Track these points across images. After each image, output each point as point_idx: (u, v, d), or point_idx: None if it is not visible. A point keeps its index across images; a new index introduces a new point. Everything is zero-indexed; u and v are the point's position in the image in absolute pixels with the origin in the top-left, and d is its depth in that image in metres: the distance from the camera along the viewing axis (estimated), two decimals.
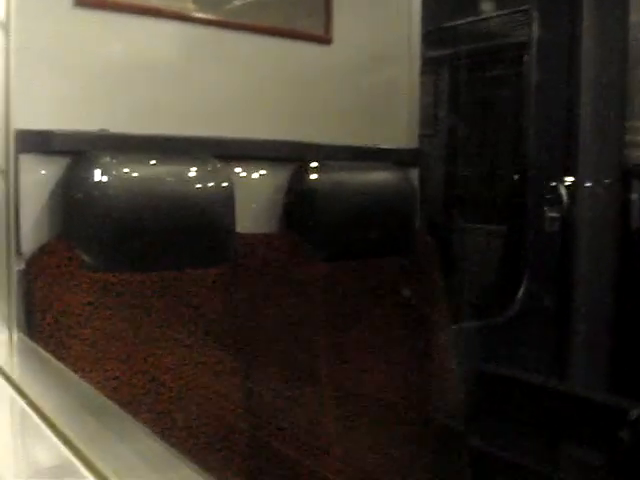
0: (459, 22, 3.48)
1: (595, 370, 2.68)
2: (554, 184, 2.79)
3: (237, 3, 1.97)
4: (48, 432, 0.95)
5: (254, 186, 1.92)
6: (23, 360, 1.41)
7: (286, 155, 1.96)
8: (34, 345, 1.42)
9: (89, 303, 1.51)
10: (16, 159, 1.47)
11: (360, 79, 2.14)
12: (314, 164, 1.96)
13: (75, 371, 1.38)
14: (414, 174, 2.24)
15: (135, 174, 1.62)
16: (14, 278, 1.43)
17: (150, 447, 0.92)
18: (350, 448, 1.85)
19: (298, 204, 1.94)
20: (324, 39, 2.05)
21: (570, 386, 2.55)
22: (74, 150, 1.61)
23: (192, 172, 1.71)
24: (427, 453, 2.02)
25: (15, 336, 1.40)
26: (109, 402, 1.09)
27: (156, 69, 1.78)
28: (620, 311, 2.65)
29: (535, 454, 2.14)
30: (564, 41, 2.77)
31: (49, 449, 0.92)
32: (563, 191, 2.78)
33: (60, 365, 1.34)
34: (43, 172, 1.59)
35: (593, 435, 1.91)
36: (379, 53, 2.20)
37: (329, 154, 2.01)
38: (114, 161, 1.59)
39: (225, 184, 1.73)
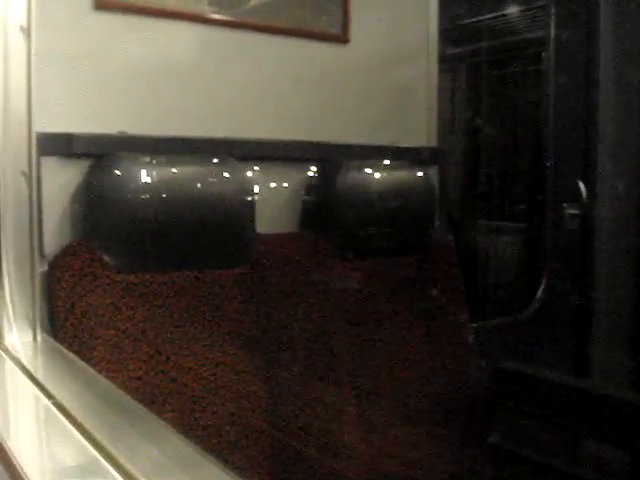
0: (477, 19, 3.46)
1: (616, 367, 2.66)
2: (574, 181, 2.77)
3: (253, 4, 1.97)
4: (73, 431, 0.95)
5: (274, 186, 1.92)
6: (47, 360, 1.43)
7: (305, 155, 1.97)
8: (58, 345, 1.44)
9: (111, 304, 1.53)
10: (38, 162, 1.48)
11: (378, 78, 2.13)
12: (333, 164, 1.96)
13: (98, 371, 1.40)
14: (433, 172, 2.23)
15: (156, 176, 1.63)
16: (37, 280, 1.44)
17: (175, 446, 0.93)
18: (372, 448, 1.85)
19: (318, 204, 1.95)
20: (341, 39, 2.05)
21: (591, 384, 2.53)
22: (95, 153, 1.62)
23: (212, 173, 1.72)
24: (448, 451, 2.01)
25: (39, 337, 1.41)
26: (133, 401, 1.10)
27: (175, 71, 1.79)
28: None
29: (556, 452, 2.13)
30: (583, 37, 2.75)
31: (74, 447, 0.93)
32: (583, 188, 2.76)
33: (84, 365, 1.35)
34: (65, 175, 1.61)
35: (616, 432, 1.89)
36: (397, 52, 2.20)
37: (348, 154, 2.01)
38: (135, 163, 1.60)
39: (245, 185, 1.74)
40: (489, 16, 3.40)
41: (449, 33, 3.12)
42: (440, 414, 2.01)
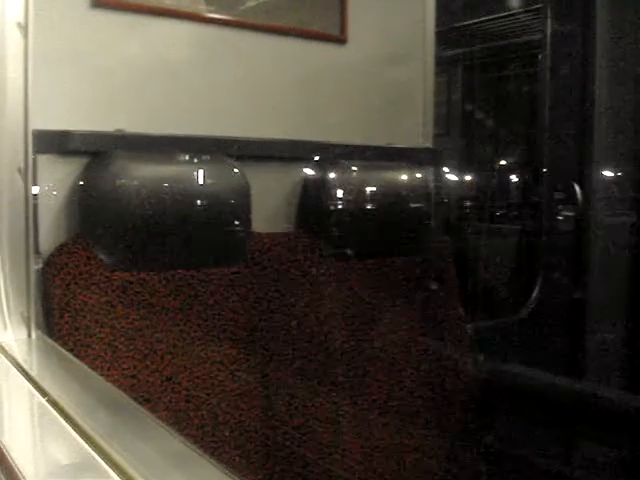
0: (473, 21, 3.47)
1: (611, 368, 2.67)
2: (569, 183, 2.78)
3: (251, 4, 1.97)
4: (68, 428, 0.95)
5: (270, 186, 1.92)
6: (42, 358, 1.42)
7: (301, 155, 1.97)
8: (53, 343, 1.44)
9: (107, 302, 1.52)
10: (34, 159, 1.48)
11: (375, 79, 2.14)
12: (329, 164, 1.96)
13: (93, 369, 1.40)
14: (429, 173, 2.23)
15: (152, 174, 1.63)
16: (32, 277, 1.44)
17: (170, 444, 0.92)
18: (366, 448, 1.85)
19: (313, 203, 1.95)
20: (339, 39, 2.06)
21: (586, 385, 2.54)
22: (91, 150, 1.62)
23: (208, 172, 1.71)
24: (442, 452, 2.02)
25: (34, 334, 1.41)
26: (128, 399, 1.10)
27: (172, 69, 1.78)
28: (636, 310, 2.64)
29: (552, 453, 2.13)
30: (579, 39, 2.76)
31: (68, 445, 0.93)
32: (578, 190, 2.77)
33: (78, 363, 1.35)
34: (61, 172, 1.60)
35: (612, 433, 1.90)
36: (393, 53, 2.20)
37: (344, 154, 2.01)
38: (131, 161, 1.60)
39: (241, 184, 1.74)
40: (484, 18, 3.40)
41: (445, 35, 3.12)
42: (435, 414, 2.01)
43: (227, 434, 1.60)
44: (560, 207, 2.79)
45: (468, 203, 3.69)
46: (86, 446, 0.89)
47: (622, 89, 2.67)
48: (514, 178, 3.64)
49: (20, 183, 1.42)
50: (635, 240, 2.66)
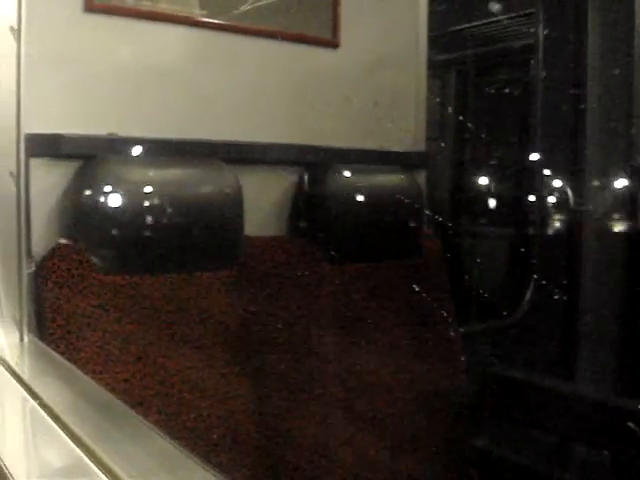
0: (466, 26, 3.48)
1: (603, 370, 2.68)
2: (561, 186, 2.79)
3: (245, 8, 1.98)
4: (59, 432, 0.95)
5: (262, 189, 1.92)
6: (34, 361, 1.42)
7: (294, 158, 1.97)
8: (45, 347, 1.43)
9: (99, 305, 1.52)
10: (26, 163, 1.48)
11: (367, 83, 2.14)
12: (322, 167, 1.96)
13: (85, 373, 1.39)
14: (421, 177, 2.24)
15: (144, 178, 1.64)
16: (25, 281, 1.43)
17: (161, 447, 0.92)
18: (357, 451, 1.85)
19: (306, 207, 1.95)
20: (332, 43, 2.06)
21: (578, 387, 2.54)
22: (84, 154, 1.62)
23: (201, 176, 1.72)
24: (435, 456, 2.02)
25: (26, 338, 1.41)
26: (120, 402, 1.10)
27: (165, 73, 1.79)
28: (628, 312, 2.65)
29: (545, 455, 2.14)
30: (571, 44, 2.77)
31: (60, 449, 0.93)
32: (570, 193, 2.78)
33: (71, 366, 1.35)
34: (53, 176, 1.60)
35: (602, 435, 1.90)
36: (386, 57, 2.20)
37: (337, 157, 2.01)
38: (123, 165, 1.61)
39: (234, 188, 1.74)
40: (477, 23, 3.41)
41: (438, 39, 3.13)
42: (427, 418, 2.02)
43: (219, 437, 1.60)
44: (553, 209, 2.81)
45: (462, 205, 3.70)
46: (77, 449, 0.89)
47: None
48: (507, 180, 3.66)
49: (12, 187, 1.42)
50: None
